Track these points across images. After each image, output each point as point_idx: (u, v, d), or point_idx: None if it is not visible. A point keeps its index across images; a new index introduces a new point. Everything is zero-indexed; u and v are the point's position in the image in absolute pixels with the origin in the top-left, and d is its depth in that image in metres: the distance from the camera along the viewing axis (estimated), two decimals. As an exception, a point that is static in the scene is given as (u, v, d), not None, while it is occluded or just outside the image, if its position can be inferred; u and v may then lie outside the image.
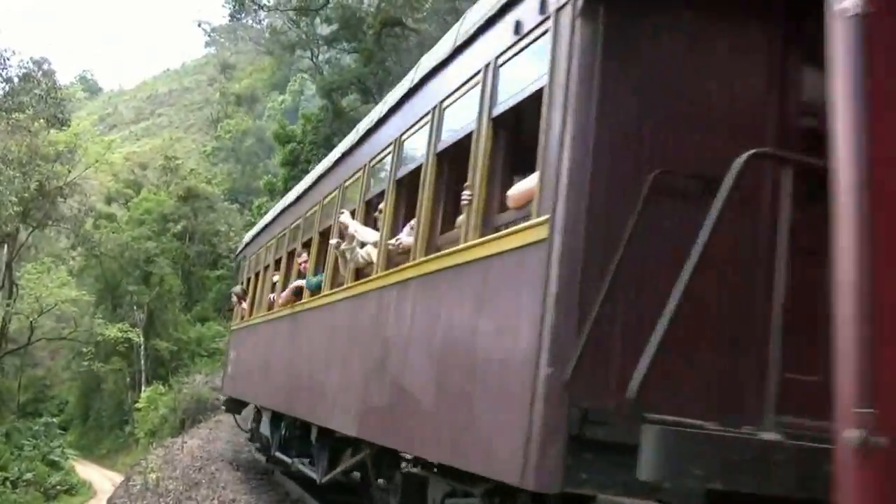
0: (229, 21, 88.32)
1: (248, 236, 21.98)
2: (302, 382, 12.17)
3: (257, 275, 18.47)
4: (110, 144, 67.92)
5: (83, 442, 65.17)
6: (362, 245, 9.42)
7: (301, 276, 13.02)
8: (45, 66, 54.80)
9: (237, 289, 20.79)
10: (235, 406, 19.89)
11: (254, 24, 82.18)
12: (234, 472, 18.71)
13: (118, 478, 37.89)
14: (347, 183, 11.10)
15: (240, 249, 23.63)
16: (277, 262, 15.73)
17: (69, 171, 55.21)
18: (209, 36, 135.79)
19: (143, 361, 59.35)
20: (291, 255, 14.33)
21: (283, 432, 14.50)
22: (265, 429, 16.07)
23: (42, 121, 50.50)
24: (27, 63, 51.35)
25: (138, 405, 51.50)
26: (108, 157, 65.50)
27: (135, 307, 60.76)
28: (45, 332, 61.32)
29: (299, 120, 50.15)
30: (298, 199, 14.75)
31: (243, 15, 68.84)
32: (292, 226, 14.75)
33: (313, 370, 11.45)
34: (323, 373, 10.76)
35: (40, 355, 70.89)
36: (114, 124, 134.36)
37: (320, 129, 43.81)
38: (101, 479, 51.01)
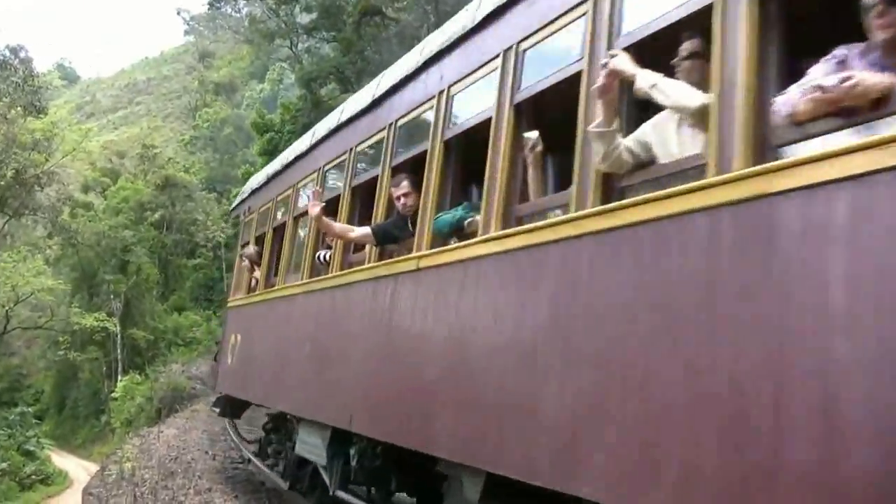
0: (208, 9, 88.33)
1: (255, 181, 15.87)
2: (433, 393, 6.80)
3: (277, 230, 13.14)
4: (88, 133, 67.42)
5: (59, 431, 64.89)
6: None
7: (389, 215, 8.48)
8: (22, 54, 54.48)
9: (250, 250, 14.52)
10: (232, 408, 15.76)
11: (233, 13, 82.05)
12: (210, 461, 18.65)
13: (94, 467, 37.75)
14: (528, 44, 6.26)
15: (239, 201, 17.33)
16: (330, 205, 9.82)
17: (46, 160, 54.80)
18: (188, 24, 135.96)
19: (119, 351, 59.09)
20: (364, 190, 9.53)
21: (354, 462, 9.13)
22: (309, 451, 10.48)
23: (19, 108, 50.19)
24: (3, 51, 51.14)
25: (115, 395, 51.37)
26: (85, 146, 65.12)
27: (111, 296, 60.43)
28: (21, 320, 60.91)
29: (278, 109, 50.20)
30: (377, 102, 9.31)
31: (223, 3, 68.79)
32: (362, 147, 9.67)
33: (491, 375, 5.92)
34: (524, 382, 5.46)
35: (16, 344, 70.43)
36: (91, 113, 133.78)
37: (299, 119, 43.80)
38: (76, 468, 50.80)
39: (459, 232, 6.93)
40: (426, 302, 7.15)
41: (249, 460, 15.84)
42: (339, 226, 9.25)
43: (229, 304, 16.09)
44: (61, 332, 59.92)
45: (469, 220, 6.83)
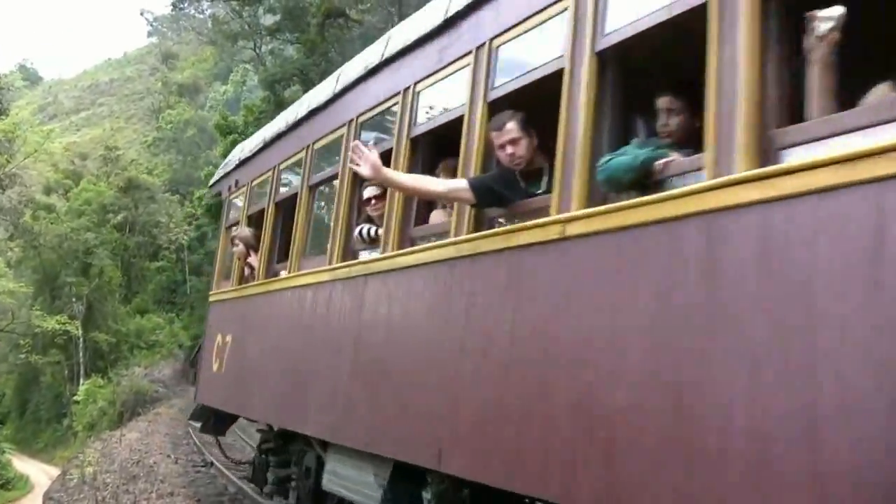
0: (172, 10, 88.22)
1: (244, 149, 12.64)
2: (623, 430, 4.12)
3: (282, 205, 10.45)
4: (50, 134, 67.01)
5: (20, 436, 64.33)
6: None
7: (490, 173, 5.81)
8: (-18, 55, 54.13)
9: (245, 231, 11.42)
10: (214, 422, 12.96)
11: (196, 14, 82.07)
12: (172, 465, 18.58)
13: (55, 471, 37.49)
14: None
15: (221, 175, 13.95)
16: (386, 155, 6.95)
17: (8, 161, 54.42)
18: (151, 25, 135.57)
19: (81, 354, 58.70)
20: (433, 140, 6.89)
21: None
22: (348, 488, 7.68)
23: (-21, 110, 49.86)
24: (-37, 51, 50.77)
25: (77, 398, 51.09)
26: (47, 147, 64.71)
27: (73, 299, 60.02)
28: (-18, 324, 60.53)
29: (241, 111, 49.97)
30: (453, 21, 6.46)
31: (186, 4, 68.54)
32: (427, 83, 6.85)
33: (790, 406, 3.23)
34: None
35: (-24, 348, 69.98)
36: (54, 114, 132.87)
37: (262, 121, 43.44)
38: (38, 473, 50.39)
39: (646, 179, 4.36)
40: (584, 288, 4.63)
41: (212, 464, 15.75)
42: (411, 176, 6.40)
43: (213, 299, 12.98)
44: (23, 335, 59.56)
45: (664, 160, 4.37)
